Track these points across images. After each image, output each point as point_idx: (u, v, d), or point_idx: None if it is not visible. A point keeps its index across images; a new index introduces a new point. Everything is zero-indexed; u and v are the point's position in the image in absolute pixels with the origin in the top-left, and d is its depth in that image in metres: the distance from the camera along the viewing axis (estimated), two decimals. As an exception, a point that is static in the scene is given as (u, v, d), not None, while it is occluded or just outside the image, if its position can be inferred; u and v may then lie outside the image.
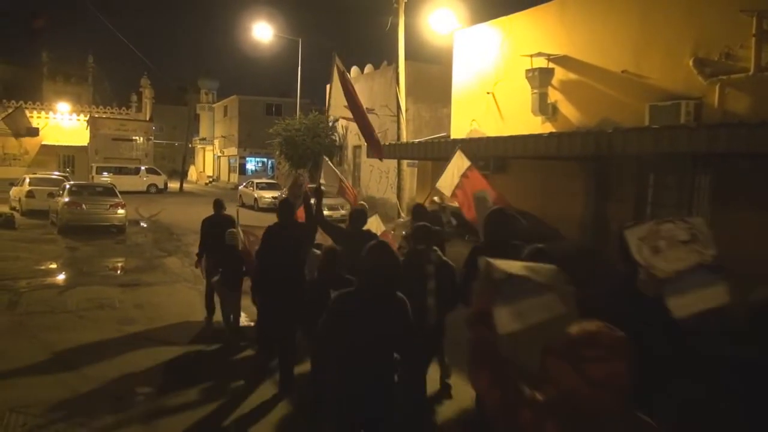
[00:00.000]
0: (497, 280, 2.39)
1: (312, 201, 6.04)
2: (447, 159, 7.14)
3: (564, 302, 2.44)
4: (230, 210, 8.48)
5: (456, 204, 6.74)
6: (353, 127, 26.64)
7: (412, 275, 4.31)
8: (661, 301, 2.87)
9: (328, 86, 29.72)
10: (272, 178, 33.88)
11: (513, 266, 2.50)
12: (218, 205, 8.16)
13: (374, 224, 6.84)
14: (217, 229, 7.52)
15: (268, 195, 25.24)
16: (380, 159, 9.85)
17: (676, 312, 2.90)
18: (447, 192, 6.75)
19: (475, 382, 2.13)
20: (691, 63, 9.08)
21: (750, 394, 2.48)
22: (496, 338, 2.15)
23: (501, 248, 3.82)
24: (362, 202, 7.69)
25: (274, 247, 5.66)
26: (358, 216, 6.01)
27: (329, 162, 8.45)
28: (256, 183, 28.20)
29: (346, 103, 8.42)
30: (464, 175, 6.70)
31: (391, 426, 3.40)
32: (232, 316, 7.26)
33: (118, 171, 34.08)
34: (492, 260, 2.39)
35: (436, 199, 9.46)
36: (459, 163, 6.76)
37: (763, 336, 2.56)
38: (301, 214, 6.15)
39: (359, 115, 8.59)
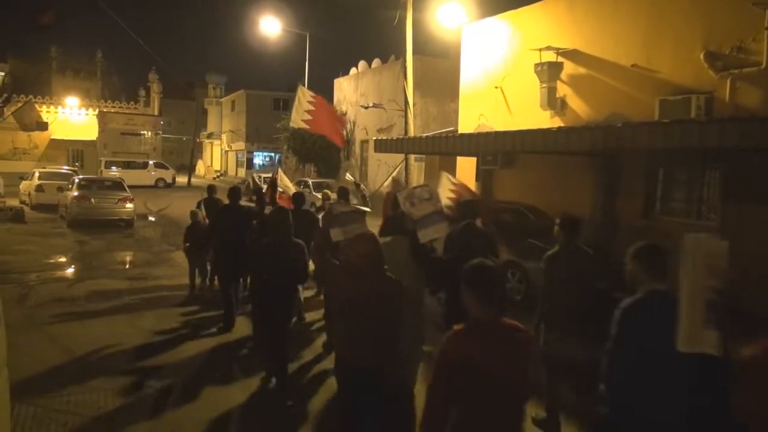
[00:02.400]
0: (335, 214, 5.17)
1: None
2: (454, 154, 7.50)
3: (365, 226, 4.95)
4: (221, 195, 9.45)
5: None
6: (360, 122, 26.65)
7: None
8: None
9: (336, 81, 29.69)
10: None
11: (345, 207, 5.42)
12: (210, 190, 10.03)
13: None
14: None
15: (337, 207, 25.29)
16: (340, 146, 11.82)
17: (422, 239, 4.94)
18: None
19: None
20: (702, 57, 9.00)
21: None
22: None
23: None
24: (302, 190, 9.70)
25: (225, 221, 7.65)
26: (299, 197, 8.26)
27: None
28: (263, 177, 28.20)
29: (306, 118, 9.31)
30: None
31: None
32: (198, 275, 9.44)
33: (127, 165, 34.21)
34: (335, 203, 5.69)
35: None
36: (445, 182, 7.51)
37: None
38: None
39: (321, 124, 9.63)
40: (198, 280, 9.49)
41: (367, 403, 3.60)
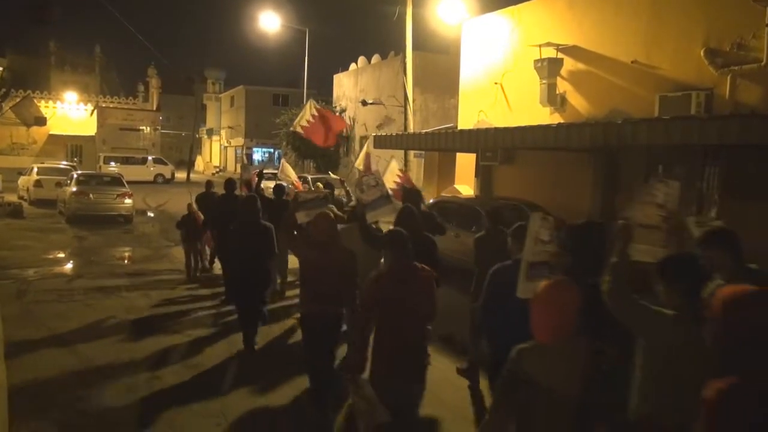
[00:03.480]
0: (301, 200, 5.93)
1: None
2: (454, 150, 7.82)
3: (327, 208, 5.61)
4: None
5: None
6: (360, 118, 26.63)
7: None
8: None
9: (335, 77, 29.66)
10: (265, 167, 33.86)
11: (310, 195, 6.11)
12: (208, 185, 10.48)
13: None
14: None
15: (272, 184, 25.31)
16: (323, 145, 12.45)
17: (369, 219, 5.75)
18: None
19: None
20: (702, 53, 8.98)
21: None
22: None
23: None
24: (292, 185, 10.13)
25: (221, 209, 8.53)
26: (278, 189, 9.30)
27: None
28: (263, 173, 28.18)
29: (304, 124, 10.76)
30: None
31: None
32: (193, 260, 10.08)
33: (126, 161, 34.14)
34: (300, 193, 6.43)
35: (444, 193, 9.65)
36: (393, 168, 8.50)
37: None
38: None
39: (313, 132, 10.95)
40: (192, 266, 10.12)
41: (325, 344, 4.73)
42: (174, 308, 8.23)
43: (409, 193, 6.67)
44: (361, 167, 9.23)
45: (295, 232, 5.48)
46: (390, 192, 6.44)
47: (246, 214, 6.43)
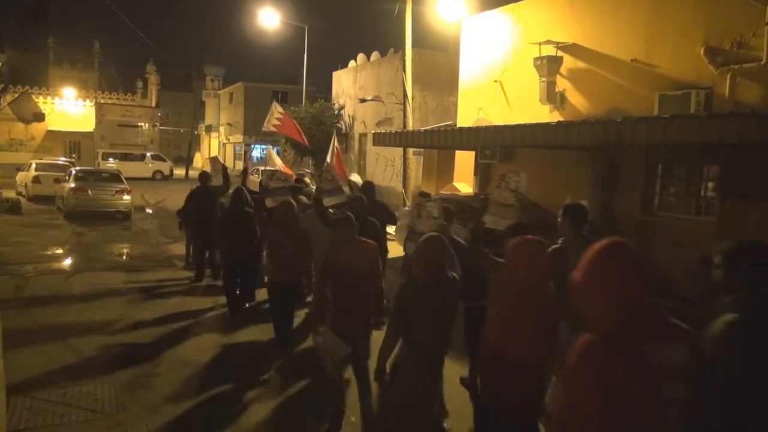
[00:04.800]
0: (269, 188, 7.20)
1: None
2: (453, 148, 8.69)
3: (288, 197, 6.71)
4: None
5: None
6: (359, 115, 26.57)
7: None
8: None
9: (334, 74, 29.61)
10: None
11: (277, 184, 7.28)
12: (204, 178, 10.52)
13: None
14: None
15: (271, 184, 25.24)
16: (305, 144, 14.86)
17: (326, 204, 6.79)
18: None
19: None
20: (702, 52, 8.97)
21: None
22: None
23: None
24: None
25: (199, 199, 9.63)
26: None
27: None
28: (261, 170, 28.15)
29: (275, 123, 12.38)
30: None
31: None
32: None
33: (124, 157, 34.07)
34: (269, 180, 7.37)
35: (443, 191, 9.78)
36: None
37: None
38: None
39: (287, 129, 12.86)
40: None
41: (286, 304, 6.05)
42: (172, 304, 8.22)
43: (366, 184, 7.99)
44: (328, 160, 10.92)
45: (264, 214, 6.63)
46: (341, 184, 7.81)
47: (234, 203, 7.71)
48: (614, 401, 1.85)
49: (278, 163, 11.76)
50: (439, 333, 3.90)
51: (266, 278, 6.76)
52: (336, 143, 11.62)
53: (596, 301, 1.95)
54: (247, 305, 7.92)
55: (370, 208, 6.83)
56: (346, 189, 7.93)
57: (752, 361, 2.10)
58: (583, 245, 4.43)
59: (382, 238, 5.60)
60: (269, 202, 6.90)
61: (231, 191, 8.48)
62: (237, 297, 7.72)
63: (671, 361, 1.89)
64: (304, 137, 13.54)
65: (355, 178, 12.92)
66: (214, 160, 11.35)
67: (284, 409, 5.16)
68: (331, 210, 6.90)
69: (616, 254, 2.00)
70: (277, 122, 12.22)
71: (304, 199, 8.18)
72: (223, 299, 8.01)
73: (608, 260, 1.98)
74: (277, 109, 12.51)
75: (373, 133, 15.14)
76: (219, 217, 8.79)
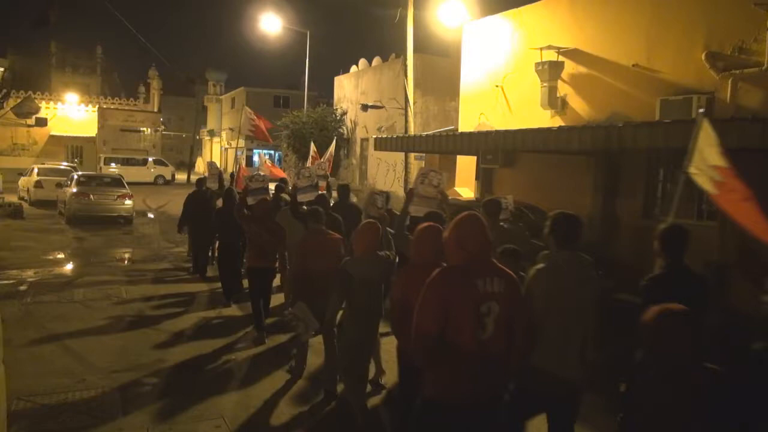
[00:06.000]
0: (250, 189, 8.11)
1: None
2: (455, 153, 8.79)
3: (267, 196, 8.36)
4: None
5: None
6: (361, 120, 26.62)
7: None
8: None
9: (336, 79, 29.66)
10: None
11: (257, 185, 8.47)
12: (200, 183, 11.20)
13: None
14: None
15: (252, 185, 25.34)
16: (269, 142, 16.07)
17: (300, 199, 8.15)
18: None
19: None
20: (703, 57, 8.98)
21: None
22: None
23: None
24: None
25: (196, 202, 10.57)
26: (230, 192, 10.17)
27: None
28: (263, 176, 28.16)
29: (250, 128, 13.35)
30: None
31: None
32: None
33: (126, 162, 34.14)
34: (250, 181, 8.62)
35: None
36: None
37: None
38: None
39: (259, 132, 13.64)
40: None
41: (262, 287, 7.06)
42: (174, 310, 8.22)
43: (340, 188, 8.70)
44: (309, 163, 12.21)
45: (244, 211, 7.40)
46: (317, 182, 8.99)
47: (225, 203, 8.74)
48: (448, 310, 2.89)
49: (265, 168, 13.29)
50: (374, 299, 4.81)
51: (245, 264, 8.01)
52: (332, 149, 13.00)
53: (450, 248, 3.07)
54: (237, 291, 8.68)
55: (343, 209, 7.59)
56: (323, 184, 9.44)
57: (549, 290, 3.43)
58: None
59: (343, 231, 6.18)
60: (250, 200, 7.71)
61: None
62: (230, 283, 8.66)
63: (492, 288, 2.95)
64: (269, 137, 15.26)
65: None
66: (211, 165, 12.48)
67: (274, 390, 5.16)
68: (304, 207, 7.79)
69: (466, 222, 3.06)
70: (252, 128, 13.32)
71: (285, 196, 9.23)
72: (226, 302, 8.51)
73: (461, 225, 3.06)
74: (248, 114, 13.43)
75: (375, 138, 15.15)
76: (213, 217, 9.47)
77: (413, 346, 3.01)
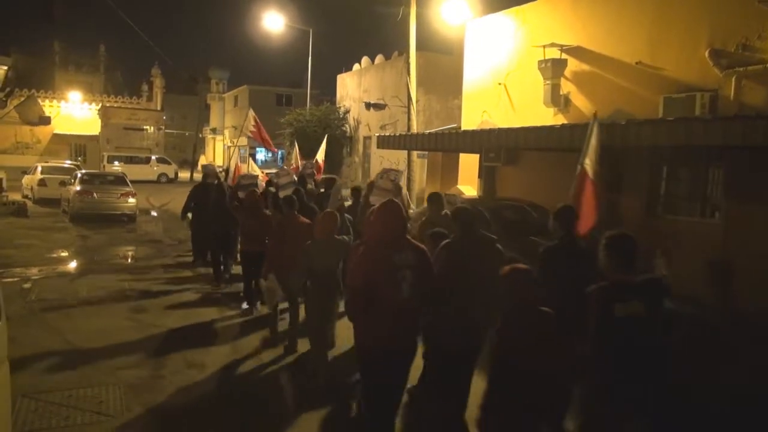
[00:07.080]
0: (242, 184, 10.04)
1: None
2: (457, 151, 9.73)
3: (256, 188, 9.33)
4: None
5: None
6: (364, 118, 26.63)
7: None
8: None
9: (338, 77, 29.66)
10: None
11: (247, 180, 10.18)
12: (205, 174, 11.52)
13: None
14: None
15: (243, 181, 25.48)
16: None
17: (281, 194, 8.96)
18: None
19: None
20: (706, 54, 8.95)
21: None
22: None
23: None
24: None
25: (201, 194, 10.81)
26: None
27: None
28: (267, 173, 28.19)
29: (251, 129, 13.93)
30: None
31: None
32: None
33: (129, 160, 34.20)
34: (243, 175, 11.58)
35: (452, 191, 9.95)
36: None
37: None
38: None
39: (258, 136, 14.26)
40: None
41: (253, 268, 7.72)
42: (178, 308, 8.24)
43: (326, 180, 10.02)
44: (292, 162, 13.82)
45: (236, 202, 8.58)
46: (295, 179, 10.30)
47: (217, 197, 9.89)
48: (371, 277, 3.73)
49: (257, 171, 14.16)
50: (332, 275, 5.67)
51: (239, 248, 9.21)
52: (296, 150, 15.15)
53: (372, 228, 3.93)
54: (227, 276, 9.70)
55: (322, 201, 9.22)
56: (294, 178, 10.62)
57: (452, 261, 4.42)
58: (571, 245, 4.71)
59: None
60: (241, 194, 9.04)
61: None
62: (220, 268, 9.66)
63: (405, 261, 3.75)
64: (272, 146, 16.21)
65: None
66: (207, 168, 13.04)
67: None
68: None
69: (388, 208, 3.91)
70: (253, 129, 13.98)
71: (272, 189, 10.12)
72: (226, 303, 8.50)
73: (383, 210, 3.90)
74: (252, 117, 14.20)
75: (378, 136, 15.15)
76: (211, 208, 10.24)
77: (345, 298, 4.13)
